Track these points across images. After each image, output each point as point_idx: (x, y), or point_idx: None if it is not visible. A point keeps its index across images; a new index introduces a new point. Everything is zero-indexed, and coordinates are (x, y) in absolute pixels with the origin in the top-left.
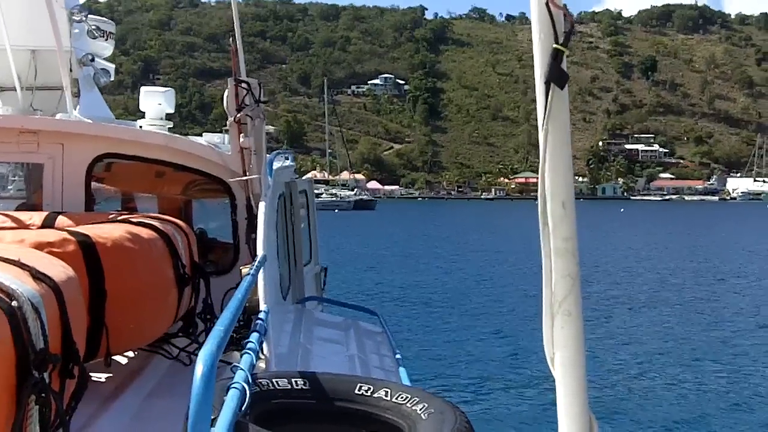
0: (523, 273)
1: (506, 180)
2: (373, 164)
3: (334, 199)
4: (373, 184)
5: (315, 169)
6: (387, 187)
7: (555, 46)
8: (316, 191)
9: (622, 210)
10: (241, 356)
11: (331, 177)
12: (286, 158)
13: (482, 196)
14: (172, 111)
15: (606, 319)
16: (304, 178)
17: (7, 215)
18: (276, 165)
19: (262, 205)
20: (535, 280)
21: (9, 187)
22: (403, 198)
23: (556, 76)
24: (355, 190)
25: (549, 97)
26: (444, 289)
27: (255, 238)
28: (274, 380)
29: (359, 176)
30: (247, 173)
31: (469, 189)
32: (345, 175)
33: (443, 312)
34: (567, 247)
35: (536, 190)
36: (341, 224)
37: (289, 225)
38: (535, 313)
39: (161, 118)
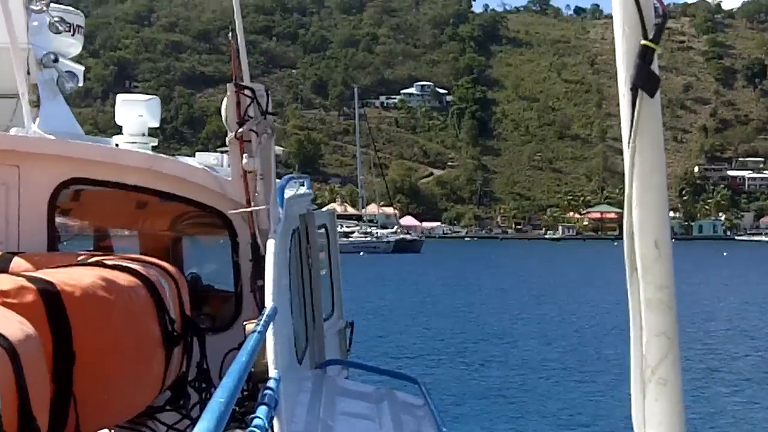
0: (603, 332)
1: (577, 215)
2: (407, 195)
3: (368, 239)
4: (408, 220)
5: (335, 201)
6: (426, 224)
7: (644, 42)
8: (345, 229)
9: (725, 254)
10: None
11: (354, 211)
12: (302, 184)
13: (546, 236)
14: (156, 125)
15: (706, 391)
16: (324, 209)
17: None
18: (288, 193)
19: (270, 244)
20: (619, 341)
21: None
22: (447, 238)
23: (645, 80)
24: (395, 228)
25: (636, 106)
26: (502, 351)
27: (262, 286)
28: None
29: (390, 210)
30: (252, 203)
31: (530, 226)
32: (372, 208)
33: (501, 380)
34: (662, 298)
35: (614, 228)
36: (375, 270)
37: (306, 269)
38: (619, 382)
39: (143, 134)
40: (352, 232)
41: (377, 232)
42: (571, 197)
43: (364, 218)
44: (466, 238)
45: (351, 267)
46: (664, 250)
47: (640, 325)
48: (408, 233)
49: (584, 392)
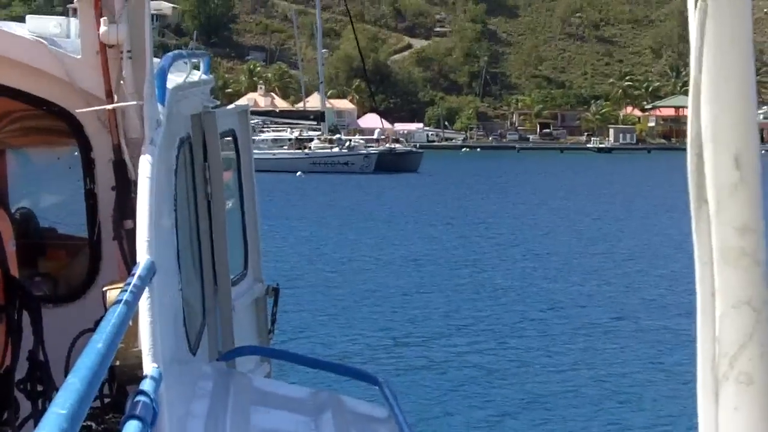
0: (666, 301)
1: (638, 112)
2: (369, 80)
3: (335, 151)
4: (370, 120)
5: (257, 89)
6: (400, 126)
7: None
8: (295, 135)
9: None
10: None
11: (287, 105)
12: (195, 66)
13: (590, 144)
14: None
15: None
16: (232, 106)
17: None
18: (174, 80)
19: (145, 162)
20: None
21: None
22: (433, 147)
23: None
24: (377, 133)
25: None
26: (517, 332)
27: (133, 229)
28: None
29: (343, 103)
30: (115, 96)
31: (563, 130)
32: (314, 100)
33: (513, 380)
34: (745, 248)
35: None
36: (341, 200)
37: (202, 202)
38: (678, 378)
39: None
40: (309, 140)
41: (352, 141)
42: (629, 84)
43: (301, 115)
44: (464, 150)
45: (299, 196)
46: (749, 170)
47: (711, 289)
48: (398, 141)
49: (633, 394)
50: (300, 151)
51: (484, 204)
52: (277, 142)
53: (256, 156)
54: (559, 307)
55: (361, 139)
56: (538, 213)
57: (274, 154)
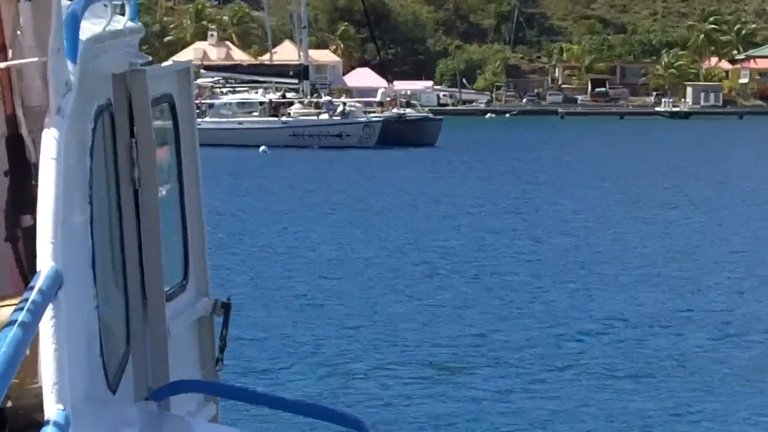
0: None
1: (726, 65)
2: (360, 23)
3: (322, 119)
4: (360, 77)
5: (206, 38)
6: (402, 84)
7: None
8: (269, 98)
9: None
10: None
11: (247, 57)
12: (119, 11)
13: (660, 108)
14: None
15: None
16: (168, 63)
17: None
18: (89, 29)
19: (50, 139)
20: None
21: None
22: (447, 112)
23: None
24: (380, 94)
25: None
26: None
27: (32, 227)
28: None
29: (324, 55)
30: (10, 52)
31: (624, 90)
32: (285, 51)
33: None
34: None
35: None
36: (327, 184)
37: (127, 190)
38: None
39: None
40: (290, 104)
41: (346, 106)
42: (714, 26)
43: (272, 72)
44: (488, 115)
45: (268, 178)
46: None
47: None
48: (410, 105)
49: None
50: (275, 118)
51: (520, 187)
52: (244, 107)
53: (216, 125)
54: (627, 327)
55: (358, 102)
56: (594, 200)
57: (240, 123)
